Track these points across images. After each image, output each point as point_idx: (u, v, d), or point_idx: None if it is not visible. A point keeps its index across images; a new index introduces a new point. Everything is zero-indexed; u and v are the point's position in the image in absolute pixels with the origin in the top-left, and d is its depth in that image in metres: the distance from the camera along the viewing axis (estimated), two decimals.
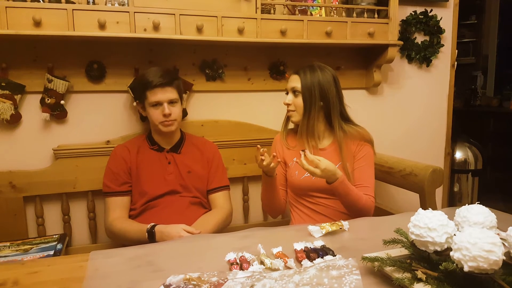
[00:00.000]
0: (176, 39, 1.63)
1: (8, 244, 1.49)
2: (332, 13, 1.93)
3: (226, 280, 0.83)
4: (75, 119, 1.72)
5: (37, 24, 1.44)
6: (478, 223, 0.88)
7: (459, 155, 2.78)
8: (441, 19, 2.26)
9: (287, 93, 1.54)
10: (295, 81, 1.50)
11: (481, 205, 0.92)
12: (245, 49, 1.90)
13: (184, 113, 1.81)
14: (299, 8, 1.85)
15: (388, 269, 0.82)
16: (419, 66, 2.30)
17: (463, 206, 0.93)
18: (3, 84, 1.58)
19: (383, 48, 1.99)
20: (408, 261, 0.83)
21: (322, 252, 0.98)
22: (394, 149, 2.20)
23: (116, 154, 1.53)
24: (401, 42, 2.05)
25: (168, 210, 1.49)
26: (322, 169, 1.29)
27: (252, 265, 0.92)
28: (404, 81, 2.29)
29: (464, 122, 4.30)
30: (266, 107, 2.02)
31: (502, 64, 4.89)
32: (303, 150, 1.34)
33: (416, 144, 2.35)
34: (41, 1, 1.48)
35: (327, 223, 1.17)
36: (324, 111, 1.50)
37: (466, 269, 0.70)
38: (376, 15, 1.94)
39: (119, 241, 1.46)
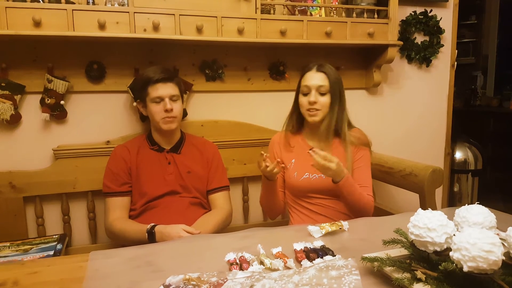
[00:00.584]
0: (176, 39, 1.63)
1: (8, 244, 1.49)
2: (332, 13, 1.93)
3: (225, 280, 0.83)
4: (75, 119, 1.72)
5: (37, 24, 1.44)
6: (478, 223, 0.88)
7: (459, 155, 2.78)
8: (441, 19, 2.26)
9: (305, 94, 1.47)
10: (321, 79, 1.45)
11: (480, 205, 0.92)
12: (245, 49, 1.90)
13: (184, 113, 1.81)
14: (298, 9, 1.85)
15: (387, 269, 0.82)
16: (419, 66, 2.30)
17: (463, 206, 0.94)
18: (3, 84, 1.58)
19: (383, 48, 1.99)
20: (408, 261, 0.83)
21: (322, 252, 0.98)
22: (394, 149, 2.21)
23: (116, 155, 1.53)
24: (401, 42, 2.05)
25: (168, 211, 1.49)
26: (336, 162, 1.29)
27: (252, 265, 0.92)
28: (404, 81, 2.29)
29: (464, 122, 4.30)
30: (266, 107, 2.02)
31: (502, 64, 4.89)
32: (312, 149, 1.33)
33: (416, 144, 2.35)
34: (41, 1, 1.48)
35: (327, 223, 1.17)
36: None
37: (465, 269, 0.70)
38: (376, 15, 1.94)
39: (119, 241, 1.46)
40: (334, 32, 1.84)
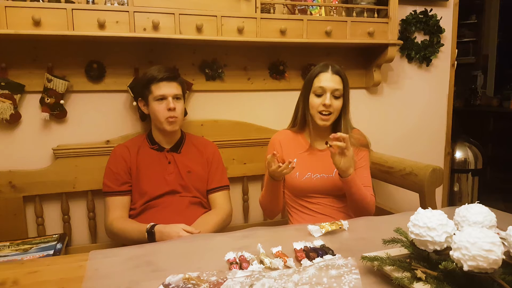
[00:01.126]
0: (175, 39, 1.63)
1: (7, 243, 1.49)
2: (332, 13, 1.93)
3: (225, 279, 0.83)
4: (74, 118, 1.72)
5: (37, 23, 1.44)
6: (478, 222, 0.88)
7: (459, 154, 2.78)
8: (441, 18, 2.26)
9: (318, 95, 1.44)
10: (337, 83, 1.44)
11: (480, 205, 0.92)
12: (245, 48, 1.90)
13: (184, 113, 1.80)
14: (298, 8, 1.85)
15: (387, 268, 0.82)
16: (419, 65, 2.30)
17: (463, 206, 0.93)
18: (2, 83, 1.57)
19: (383, 47, 1.99)
20: (408, 260, 0.83)
21: (322, 251, 0.98)
22: (394, 148, 2.21)
23: (116, 154, 1.53)
24: (401, 42, 2.05)
25: (168, 210, 1.49)
26: (352, 151, 1.32)
27: (252, 265, 0.92)
28: (404, 80, 2.29)
29: (464, 122, 4.31)
30: (265, 107, 2.02)
31: (502, 64, 4.89)
32: (327, 142, 1.33)
33: (416, 144, 2.35)
34: (41, 1, 1.48)
35: (327, 223, 1.16)
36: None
37: (465, 268, 0.70)
38: (376, 15, 1.94)
39: (119, 241, 1.46)
40: (334, 31, 1.83)
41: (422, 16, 2.23)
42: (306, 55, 2.01)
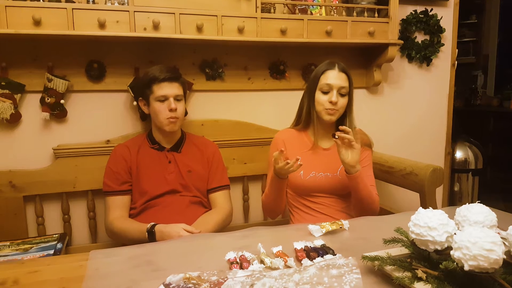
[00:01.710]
0: (176, 39, 1.63)
1: (8, 243, 1.49)
2: (332, 12, 1.93)
3: (226, 279, 0.83)
4: (75, 118, 1.72)
5: (37, 23, 1.44)
6: (478, 222, 0.88)
7: (459, 154, 2.78)
8: (441, 18, 2.26)
9: (325, 92, 1.44)
10: (343, 80, 1.44)
11: (481, 204, 0.92)
12: (245, 48, 1.90)
13: (184, 112, 1.80)
14: (299, 7, 1.84)
15: (388, 268, 0.82)
16: (419, 65, 2.30)
17: (463, 205, 0.93)
18: (3, 83, 1.57)
19: (383, 47, 1.99)
20: (408, 260, 0.83)
21: (322, 251, 0.98)
22: (394, 148, 2.20)
23: (116, 154, 1.53)
24: (401, 42, 2.05)
25: (168, 210, 1.49)
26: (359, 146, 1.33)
27: (252, 264, 0.92)
28: (404, 80, 2.29)
29: (465, 122, 4.30)
30: (266, 107, 2.01)
31: (502, 64, 4.89)
32: (334, 135, 1.33)
33: (416, 144, 2.35)
34: (41, 0, 1.48)
35: (327, 222, 1.16)
36: None
37: (466, 268, 0.70)
38: (376, 14, 1.94)
39: (119, 240, 1.46)
40: (335, 31, 1.83)
41: (422, 16, 2.23)
42: (306, 55, 2.01)
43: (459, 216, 0.92)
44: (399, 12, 1.97)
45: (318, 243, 1.04)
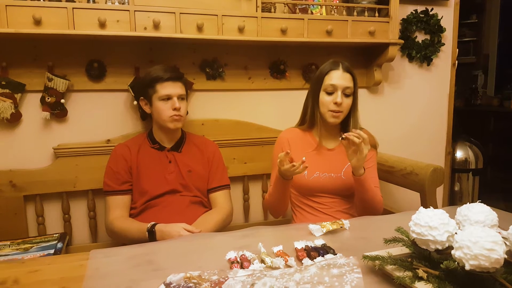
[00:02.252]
0: (176, 38, 1.63)
1: (8, 243, 1.49)
2: (332, 12, 1.93)
3: (226, 278, 0.83)
4: (75, 118, 1.72)
5: (37, 22, 1.44)
6: (479, 221, 0.88)
7: (459, 154, 2.78)
8: (441, 18, 2.25)
9: (329, 93, 1.42)
10: (348, 81, 1.42)
11: (482, 204, 0.92)
12: (246, 48, 1.90)
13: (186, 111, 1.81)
14: (299, 7, 1.84)
15: (389, 267, 0.82)
16: (420, 65, 2.30)
17: (464, 205, 0.93)
18: (3, 83, 1.57)
19: (384, 47, 1.98)
20: (409, 259, 0.83)
21: (323, 251, 0.98)
22: (394, 148, 2.20)
23: (116, 153, 1.53)
24: (402, 41, 2.04)
25: (169, 209, 1.49)
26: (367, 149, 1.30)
27: (253, 264, 0.92)
28: (405, 80, 2.28)
29: (465, 122, 4.30)
30: (266, 106, 2.01)
31: (502, 64, 4.88)
32: (342, 136, 1.31)
33: (416, 143, 2.35)
34: (41, 0, 1.48)
35: (328, 222, 1.16)
36: None
37: (467, 267, 0.70)
38: (376, 14, 1.94)
39: (120, 240, 1.46)
40: (335, 30, 1.83)
41: (423, 15, 2.22)
42: (307, 54, 2.01)
43: (460, 215, 0.92)
44: (399, 11, 1.96)
45: (318, 242, 1.04)
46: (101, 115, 1.75)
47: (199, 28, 1.63)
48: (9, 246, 1.46)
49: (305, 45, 1.94)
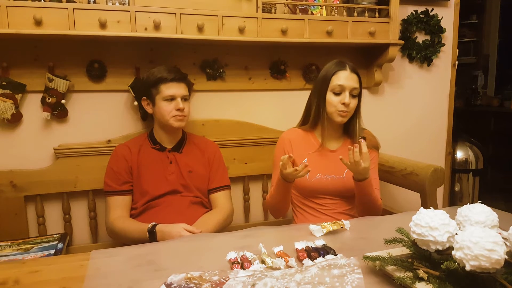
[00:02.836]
0: (176, 39, 1.63)
1: (9, 243, 1.49)
2: (333, 13, 1.93)
3: (227, 279, 0.83)
4: (76, 118, 1.72)
5: (38, 23, 1.44)
6: (480, 222, 0.88)
7: (460, 154, 2.78)
8: (442, 18, 2.26)
9: (337, 93, 1.41)
10: (355, 81, 1.42)
11: (482, 204, 0.92)
12: (246, 48, 1.90)
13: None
14: (300, 7, 1.84)
15: (389, 268, 0.82)
16: (420, 65, 2.30)
17: (465, 205, 0.93)
18: (4, 83, 1.57)
19: (384, 47, 1.99)
20: (410, 260, 0.83)
21: (323, 251, 0.98)
22: (395, 148, 2.20)
23: (117, 154, 1.53)
24: (402, 42, 2.04)
25: (169, 210, 1.49)
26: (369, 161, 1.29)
27: (253, 264, 0.92)
28: (405, 80, 2.29)
29: (465, 122, 4.29)
30: (267, 107, 2.01)
31: (503, 64, 4.88)
32: (362, 139, 1.30)
33: (417, 144, 2.35)
34: (42, 0, 1.48)
35: (328, 222, 1.16)
36: None
37: (468, 268, 0.70)
38: (377, 15, 1.94)
39: (120, 240, 1.47)
40: (335, 31, 1.83)
41: (423, 16, 2.23)
42: (307, 54, 2.01)
43: (460, 216, 0.92)
44: (399, 12, 1.96)
45: (319, 243, 1.04)
46: (101, 115, 1.75)
47: (200, 29, 1.63)
48: (10, 247, 1.46)
49: (306, 46, 1.95)
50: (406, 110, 2.31)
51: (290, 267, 0.91)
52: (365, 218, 1.32)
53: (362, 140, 1.28)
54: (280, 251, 0.99)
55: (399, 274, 0.79)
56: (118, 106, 1.78)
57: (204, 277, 0.84)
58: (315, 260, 0.93)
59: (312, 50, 2.01)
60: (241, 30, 1.69)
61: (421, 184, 1.62)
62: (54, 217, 1.72)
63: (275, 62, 1.98)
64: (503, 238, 0.73)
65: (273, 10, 1.76)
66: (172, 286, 0.82)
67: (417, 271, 0.78)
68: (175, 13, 1.59)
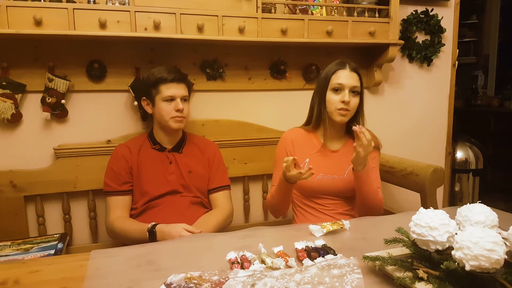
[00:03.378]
0: (176, 39, 1.63)
1: (9, 243, 1.49)
2: (333, 13, 1.93)
3: (227, 279, 0.83)
4: (75, 118, 1.72)
5: (38, 23, 1.44)
6: (480, 222, 0.88)
7: (460, 154, 2.78)
8: (442, 18, 2.26)
9: (336, 90, 1.42)
10: (355, 80, 1.42)
11: (482, 204, 0.92)
12: (246, 48, 1.90)
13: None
14: (300, 7, 1.84)
15: (389, 268, 0.82)
16: (420, 65, 2.30)
17: (465, 205, 0.93)
18: (4, 83, 1.58)
19: (384, 47, 1.99)
20: (410, 260, 0.83)
21: (323, 251, 0.98)
22: (395, 148, 2.20)
23: (117, 154, 1.53)
24: (402, 42, 2.04)
25: (169, 210, 1.49)
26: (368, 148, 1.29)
27: (253, 264, 0.92)
28: (405, 80, 2.29)
29: (465, 122, 4.30)
30: (266, 107, 2.01)
31: (503, 64, 4.88)
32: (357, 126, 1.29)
33: (417, 144, 2.35)
34: (42, 0, 1.48)
35: (328, 222, 1.16)
36: None
37: (467, 268, 0.70)
38: (377, 15, 1.94)
39: (120, 240, 1.47)
40: (335, 31, 1.83)
41: (423, 16, 2.23)
42: (307, 55, 2.01)
43: (460, 216, 0.92)
44: (399, 12, 1.97)
45: (319, 243, 1.04)
46: (101, 115, 1.76)
47: (200, 29, 1.63)
48: (10, 247, 1.46)
49: (306, 46, 1.95)
50: (406, 110, 2.31)
51: (290, 267, 0.91)
52: (365, 218, 1.33)
53: (358, 126, 1.28)
54: (280, 251, 0.99)
55: (399, 274, 0.79)
56: (118, 106, 1.78)
57: (204, 277, 0.84)
58: (315, 260, 0.93)
59: (312, 50, 2.01)
60: (241, 30, 1.69)
61: (421, 184, 1.62)
62: (54, 217, 1.72)
63: (275, 62, 1.98)
64: (503, 238, 0.73)
65: (273, 10, 1.76)
66: (172, 286, 0.82)
67: (417, 271, 0.78)
68: (175, 13, 1.60)
